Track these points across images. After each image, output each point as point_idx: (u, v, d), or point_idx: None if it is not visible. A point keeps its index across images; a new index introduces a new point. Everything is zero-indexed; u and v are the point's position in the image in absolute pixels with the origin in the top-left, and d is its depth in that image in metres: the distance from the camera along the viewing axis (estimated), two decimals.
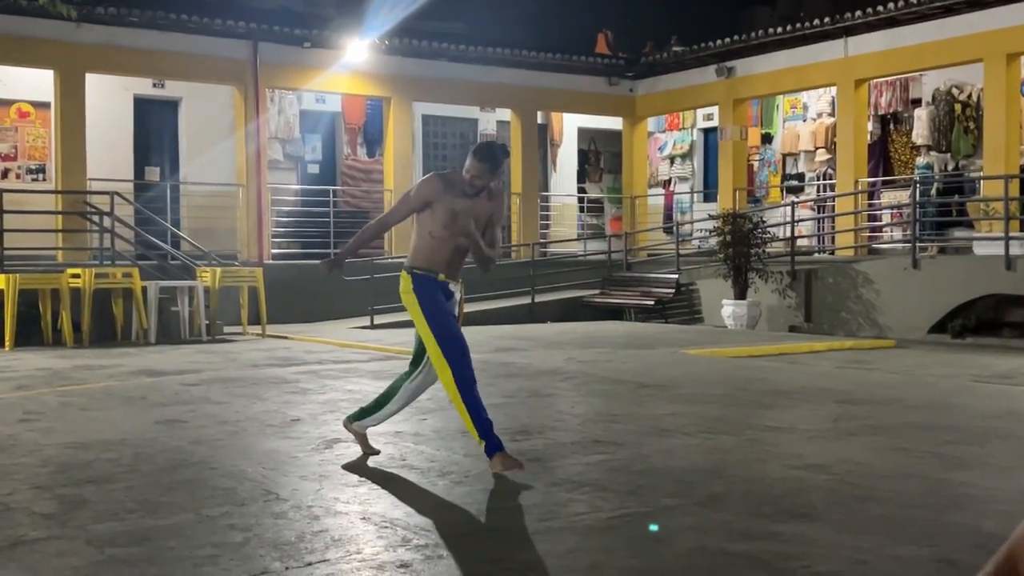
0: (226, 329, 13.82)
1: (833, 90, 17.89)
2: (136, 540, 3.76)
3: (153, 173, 17.25)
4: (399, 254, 17.53)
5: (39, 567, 3.47)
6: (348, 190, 18.98)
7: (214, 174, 16.96)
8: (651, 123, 21.78)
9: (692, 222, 20.38)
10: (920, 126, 17.28)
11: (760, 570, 3.46)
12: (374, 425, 5.36)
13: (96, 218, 14.38)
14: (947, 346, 12.68)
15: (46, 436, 5.92)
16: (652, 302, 16.68)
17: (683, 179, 22.01)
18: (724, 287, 15.87)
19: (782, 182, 20.04)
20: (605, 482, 4.73)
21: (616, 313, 17.29)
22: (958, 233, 16.03)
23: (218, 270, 13.57)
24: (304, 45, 16.95)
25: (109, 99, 16.50)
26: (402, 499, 4.43)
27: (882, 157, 18.24)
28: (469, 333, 5.26)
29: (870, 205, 17.60)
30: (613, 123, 21.47)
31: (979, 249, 14.26)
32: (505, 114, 20.09)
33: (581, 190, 22.39)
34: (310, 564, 3.49)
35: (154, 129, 17.38)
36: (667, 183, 22.21)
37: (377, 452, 5.33)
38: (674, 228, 19.61)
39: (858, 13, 16.18)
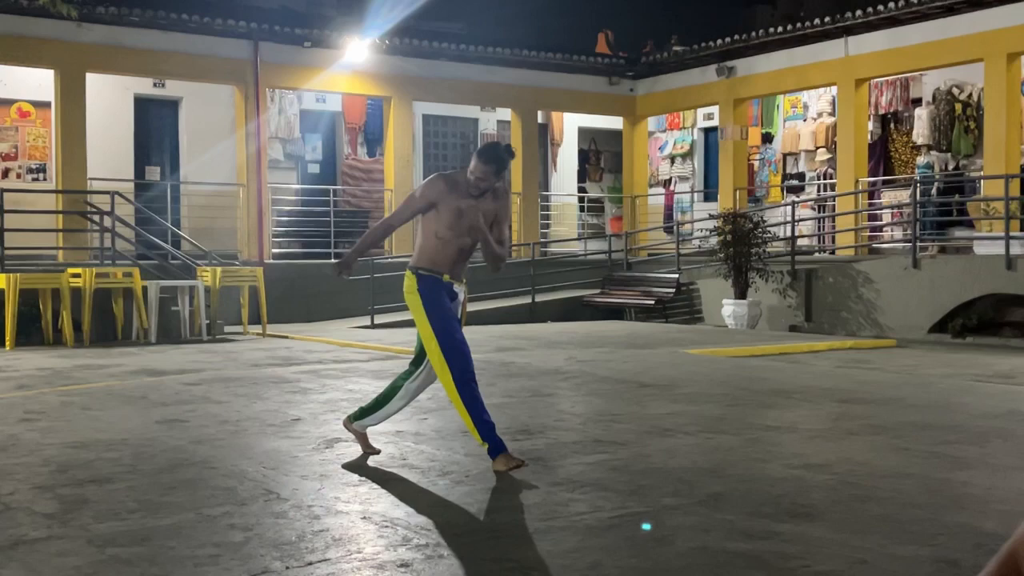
0: (227, 329, 13.83)
1: (833, 90, 17.89)
2: (137, 540, 3.77)
3: (154, 173, 17.25)
4: (400, 254, 17.54)
5: (40, 567, 3.47)
6: (348, 190, 18.99)
7: (214, 174, 16.96)
8: (651, 123, 21.79)
9: (692, 222, 20.38)
10: (920, 126, 17.28)
11: (761, 569, 3.46)
12: (374, 424, 5.37)
13: (97, 218, 14.38)
14: (947, 346, 12.68)
15: (47, 436, 5.92)
16: (652, 302, 16.68)
17: (683, 179, 22.02)
18: (724, 287, 15.88)
19: (782, 182, 20.04)
20: (606, 482, 4.73)
21: (616, 313, 17.30)
22: (958, 233, 16.03)
23: (218, 270, 13.57)
24: (304, 45, 16.95)
25: (110, 99, 16.51)
26: (403, 498, 4.44)
27: (882, 157, 18.24)
28: (469, 333, 5.26)
29: (870, 205, 17.60)
30: (613, 123, 21.48)
31: (979, 249, 14.27)
32: (505, 114, 20.09)
33: (582, 190, 22.40)
34: (311, 563, 3.49)
35: (154, 129, 17.39)
36: (667, 183, 22.21)
37: (377, 452, 5.33)
38: (674, 228, 19.61)
39: (858, 12, 16.18)
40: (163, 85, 17.07)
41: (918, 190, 15.10)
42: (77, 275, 12.30)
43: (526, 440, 5.69)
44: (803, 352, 11.50)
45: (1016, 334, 13.34)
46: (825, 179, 19.00)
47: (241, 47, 16.60)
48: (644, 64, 20.21)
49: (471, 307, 15.38)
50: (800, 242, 17.14)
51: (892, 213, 17.36)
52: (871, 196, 17.84)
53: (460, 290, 5.09)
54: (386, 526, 3.97)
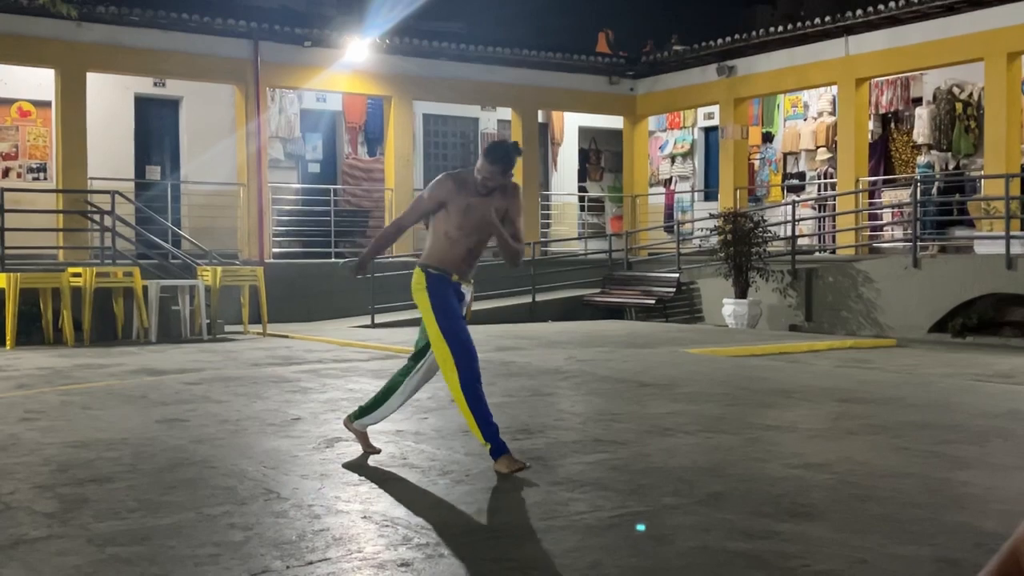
0: (227, 328, 13.83)
1: (834, 89, 17.89)
2: (137, 539, 3.77)
3: (154, 172, 17.26)
4: (400, 253, 17.54)
5: (40, 566, 3.47)
6: (349, 189, 18.99)
7: (215, 173, 16.96)
8: (652, 122, 21.78)
9: (693, 221, 20.37)
10: (921, 125, 17.28)
11: (761, 569, 3.46)
12: (375, 423, 5.36)
13: (97, 217, 14.38)
14: (948, 345, 12.68)
15: (47, 435, 5.92)
16: (653, 301, 16.68)
17: (684, 178, 22.02)
18: (725, 286, 15.88)
19: (783, 181, 20.04)
20: (606, 481, 4.73)
21: (617, 312, 17.30)
22: (959, 232, 16.02)
23: (219, 269, 13.57)
24: (305, 44, 16.95)
25: (110, 98, 16.51)
26: (403, 498, 4.44)
27: (883, 156, 18.24)
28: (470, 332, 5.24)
29: (871, 204, 17.61)
30: (614, 122, 21.47)
31: (980, 248, 14.26)
32: (506, 113, 20.09)
33: (582, 189, 22.40)
34: (311, 563, 3.49)
35: (155, 128, 17.39)
36: (668, 182, 22.21)
37: (378, 451, 5.33)
38: (675, 227, 19.61)
39: (859, 12, 16.18)
40: (163, 84, 17.08)
41: (918, 189, 15.10)
42: (77, 274, 12.31)
43: (526, 439, 5.69)
44: (803, 352, 11.50)
45: (1016, 334, 13.34)
46: (825, 178, 19.00)
47: (241, 46, 16.60)
48: (644, 63, 20.21)
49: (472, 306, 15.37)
50: (800, 241, 17.13)
51: (892, 212, 17.36)
52: (871, 195, 17.84)
53: (467, 290, 5.09)
54: (386, 525, 3.97)
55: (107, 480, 4.74)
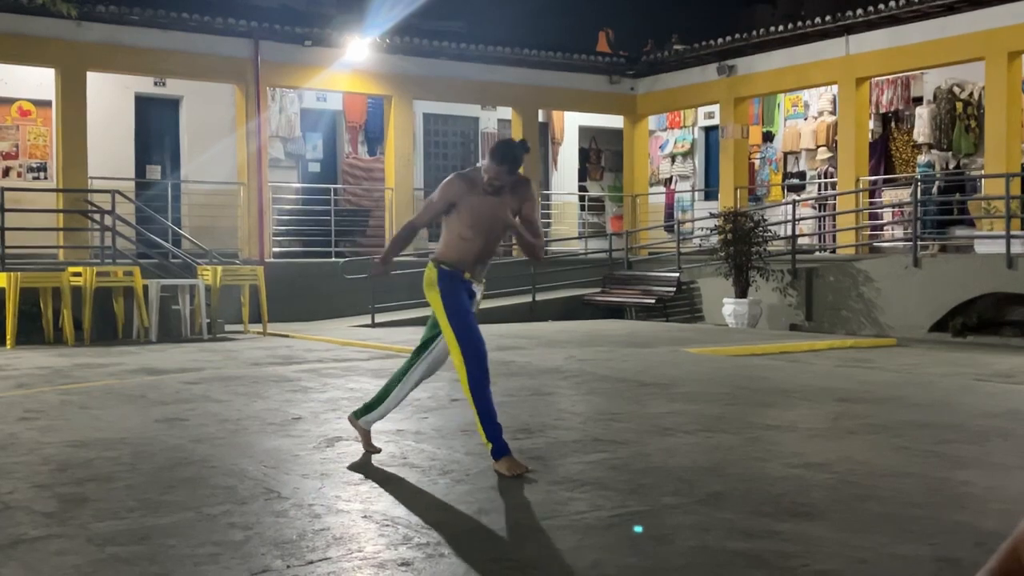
0: (227, 327, 13.83)
1: (834, 88, 17.89)
2: (137, 538, 3.77)
3: (154, 171, 17.26)
4: (400, 253, 17.51)
5: (40, 565, 3.47)
6: (349, 188, 18.99)
7: (215, 172, 16.97)
8: (652, 121, 21.78)
9: (693, 220, 20.37)
10: (921, 124, 17.27)
11: (761, 568, 3.46)
12: (379, 418, 5.35)
13: (97, 216, 14.38)
14: (948, 345, 12.68)
15: (46, 434, 5.92)
16: (653, 301, 16.68)
17: (684, 177, 22.01)
18: (725, 286, 15.87)
19: (783, 180, 20.03)
20: (606, 480, 4.73)
21: (617, 312, 17.29)
22: (959, 232, 16.02)
23: (219, 268, 13.57)
24: (305, 43, 16.95)
25: (110, 97, 16.51)
26: (403, 497, 4.44)
27: (883, 155, 18.24)
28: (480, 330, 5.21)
29: (871, 203, 17.60)
30: (614, 121, 21.47)
31: (980, 247, 14.26)
32: (506, 112, 20.10)
33: (582, 188, 22.40)
34: (311, 562, 3.49)
35: (155, 127, 17.39)
36: (668, 181, 22.20)
37: (378, 451, 5.33)
38: (675, 226, 19.60)
39: (859, 11, 16.17)
40: (164, 84, 17.07)
41: (919, 189, 15.10)
42: (78, 274, 12.31)
43: (526, 439, 5.69)
44: (803, 351, 11.50)
45: (1016, 333, 13.34)
46: (826, 178, 18.99)
47: (241, 46, 16.60)
48: (645, 63, 20.21)
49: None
50: (801, 241, 17.13)
51: (893, 212, 17.36)
52: (872, 195, 17.83)
53: (478, 289, 5.10)
54: (387, 525, 3.97)
55: (107, 479, 4.74)
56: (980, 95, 16.38)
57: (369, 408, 5.31)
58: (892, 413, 6.69)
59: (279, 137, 18.22)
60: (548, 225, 20.91)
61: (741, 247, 15.43)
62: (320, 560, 3.51)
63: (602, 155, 23.11)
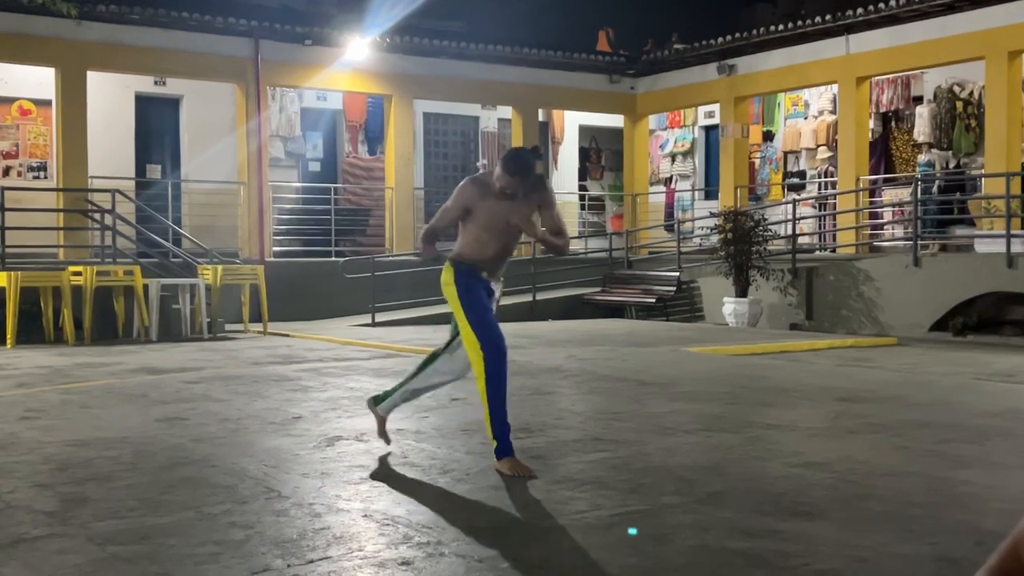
0: (227, 327, 13.84)
1: (834, 88, 17.89)
2: (137, 538, 3.77)
3: (154, 171, 17.26)
4: (400, 252, 17.56)
5: (40, 565, 3.47)
6: (349, 188, 18.99)
7: (215, 172, 16.97)
8: (652, 120, 21.78)
9: (693, 220, 20.38)
10: (921, 124, 17.27)
11: (761, 568, 3.46)
12: (395, 405, 5.40)
13: (97, 216, 14.39)
14: (948, 344, 12.68)
15: (47, 434, 5.92)
16: (653, 300, 16.68)
17: (684, 177, 22.01)
18: (725, 285, 15.87)
19: (783, 180, 20.03)
20: (606, 480, 4.73)
21: (617, 311, 17.29)
22: (959, 231, 16.02)
23: (219, 268, 13.58)
24: (305, 43, 16.95)
25: (110, 97, 16.52)
26: (404, 496, 4.44)
27: (883, 155, 18.24)
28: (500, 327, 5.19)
29: (871, 203, 17.60)
30: (614, 121, 21.47)
31: (980, 247, 14.26)
32: (506, 112, 20.09)
33: (582, 188, 22.40)
34: (312, 561, 3.49)
35: (155, 127, 17.40)
36: (668, 181, 22.20)
37: (389, 441, 5.39)
38: (675, 226, 19.59)
39: (859, 10, 16.18)
40: (164, 83, 17.08)
41: (919, 188, 15.10)
42: (78, 273, 12.31)
43: (527, 438, 5.69)
44: (804, 350, 11.50)
45: (1017, 332, 13.34)
46: (826, 177, 19.00)
47: (242, 45, 16.60)
48: (645, 62, 20.21)
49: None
50: (801, 240, 17.13)
51: (893, 211, 17.36)
52: (872, 194, 17.83)
53: (497, 288, 5.10)
54: (387, 524, 3.97)
55: (107, 479, 4.74)
56: (980, 94, 16.38)
57: (388, 394, 5.36)
58: (892, 412, 6.70)
59: (279, 136, 18.22)
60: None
61: (741, 246, 15.43)
62: (320, 559, 3.51)
63: (602, 154, 23.11)
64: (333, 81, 17.53)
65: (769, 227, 16.10)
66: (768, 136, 20.41)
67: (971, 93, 16.78)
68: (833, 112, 18.66)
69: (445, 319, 14.94)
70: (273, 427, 6.16)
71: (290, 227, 17.99)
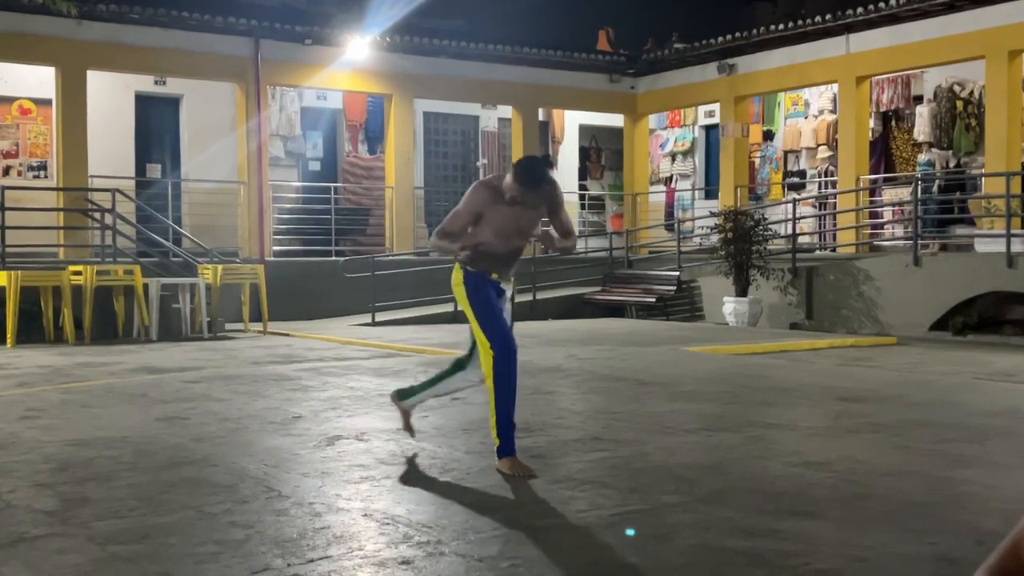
0: (227, 326, 13.84)
1: (835, 87, 17.89)
2: (137, 537, 3.77)
3: (154, 170, 17.27)
4: (400, 251, 17.56)
5: (41, 564, 3.47)
6: (349, 187, 18.99)
7: (215, 171, 16.97)
8: (652, 120, 21.78)
9: (693, 219, 20.38)
10: (922, 123, 17.27)
11: (761, 567, 3.46)
12: (418, 403, 5.43)
13: (97, 215, 14.39)
14: (948, 343, 12.68)
15: (47, 433, 5.92)
16: (653, 299, 16.68)
17: (684, 176, 22.01)
18: (725, 284, 15.87)
19: (783, 179, 20.03)
20: (606, 479, 4.73)
21: (617, 310, 17.29)
22: (959, 230, 16.02)
23: (219, 267, 13.58)
24: (305, 42, 16.95)
25: (110, 96, 16.52)
26: (404, 496, 4.44)
27: (883, 154, 18.24)
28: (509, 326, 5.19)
29: (871, 202, 17.60)
30: (614, 120, 21.47)
31: (980, 246, 14.26)
32: (506, 111, 20.09)
33: (582, 187, 22.40)
34: (312, 561, 3.49)
35: (155, 126, 17.40)
36: (668, 180, 22.21)
37: (413, 435, 5.44)
38: (675, 225, 19.58)
39: (859, 10, 16.18)
40: (164, 83, 17.08)
41: (919, 188, 15.10)
42: (78, 272, 12.31)
43: (527, 437, 5.69)
44: (804, 350, 11.50)
45: (1017, 332, 13.34)
46: (826, 176, 19.00)
47: (242, 44, 16.60)
48: (645, 61, 20.21)
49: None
50: (801, 240, 17.13)
51: (893, 211, 17.36)
52: (872, 194, 17.83)
53: (508, 287, 5.11)
54: (387, 523, 3.97)
55: (107, 478, 4.74)
56: (980, 94, 16.37)
57: (414, 391, 5.38)
58: (892, 412, 6.70)
59: (279, 136, 18.22)
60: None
61: (741, 246, 15.43)
62: (321, 559, 3.51)
63: (602, 154, 23.10)
64: (333, 80, 17.53)
65: (769, 226, 16.09)
66: (768, 135, 20.41)
67: (971, 92, 16.78)
68: (833, 111, 18.66)
69: (445, 319, 15.04)
70: (273, 426, 6.16)
71: (290, 226, 17.99)
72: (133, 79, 16.69)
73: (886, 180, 17.97)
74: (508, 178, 4.86)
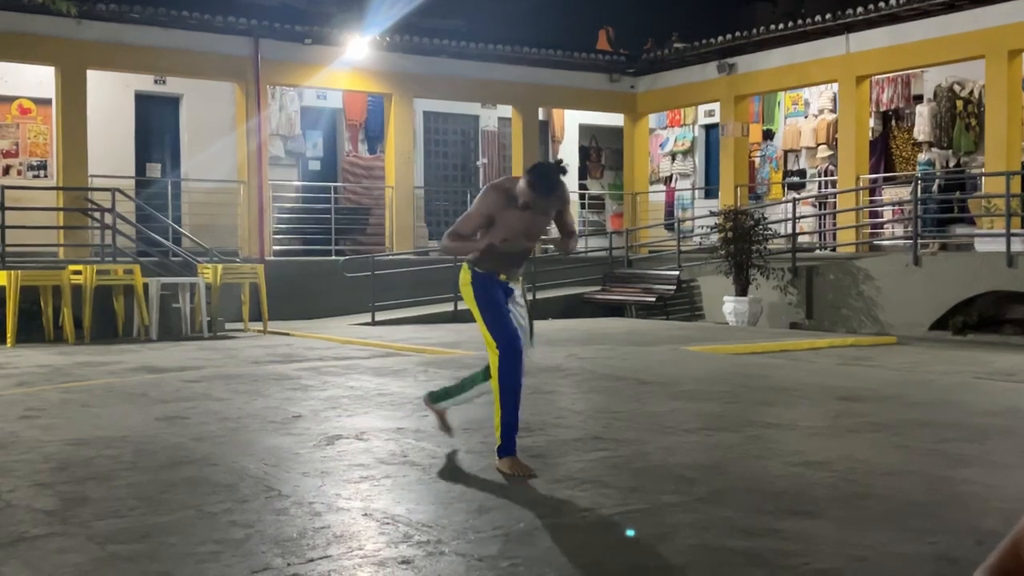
0: (227, 326, 13.84)
1: (834, 86, 17.89)
2: (137, 536, 3.77)
3: (154, 170, 17.26)
4: (400, 251, 17.56)
5: (41, 564, 3.47)
6: (349, 187, 18.99)
7: (215, 171, 16.97)
8: (652, 119, 21.78)
9: (693, 219, 20.38)
10: (922, 123, 17.27)
11: (761, 567, 3.46)
12: (451, 407, 5.44)
13: (97, 215, 14.39)
14: (948, 343, 12.68)
15: (47, 433, 5.93)
16: (653, 299, 16.68)
17: (684, 175, 22.01)
18: (725, 284, 15.87)
19: (783, 179, 20.03)
20: (606, 479, 4.73)
21: (617, 310, 17.29)
22: (959, 230, 16.02)
23: (219, 267, 13.58)
24: (305, 42, 16.95)
25: (110, 96, 16.51)
26: (404, 495, 4.44)
27: (883, 154, 18.24)
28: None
29: (871, 202, 17.60)
30: (614, 119, 21.47)
31: (980, 246, 14.26)
32: (506, 110, 20.09)
33: (582, 187, 22.39)
34: (312, 560, 3.49)
35: (155, 126, 17.40)
36: (668, 180, 22.21)
37: (452, 434, 5.46)
38: (675, 225, 19.58)
39: (859, 9, 16.17)
40: (164, 82, 17.07)
41: (919, 187, 15.10)
42: (78, 272, 12.31)
43: (527, 437, 5.69)
44: (804, 349, 11.50)
45: (1017, 331, 13.34)
46: (826, 176, 19.00)
47: (242, 44, 16.60)
48: (645, 61, 20.21)
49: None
50: (801, 239, 17.13)
51: (893, 210, 17.36)
52: (872, 193, 17.83)
53: (516, 287, 5.11)
54: (387, 523, 3.97)
55: (107, 478, 4.74)
56: (980, 93, 16.37)
57: (449, 394, 5.40)
58: (892, 411, 6.70)
59: (279, 135, 18.22)
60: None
61: (741, 245, 15.42)
62: (321, 558, 3.51)
63: (602, 153, 23.10)
64: (333, 80, 17.53)
65: (769, 226, 16.10)
66: (768, 135, 20.41)
67: (971, 92, 16.78)
68: (833, 111, 18.65)
69: (445, 318, 15.04)
70: (273, 426, 6.16)
71: (290, 226, 17.99)
72: (133, 78, 16.69)
73: (886, 179, 17.97)
74: (522, 183, 4.83)
